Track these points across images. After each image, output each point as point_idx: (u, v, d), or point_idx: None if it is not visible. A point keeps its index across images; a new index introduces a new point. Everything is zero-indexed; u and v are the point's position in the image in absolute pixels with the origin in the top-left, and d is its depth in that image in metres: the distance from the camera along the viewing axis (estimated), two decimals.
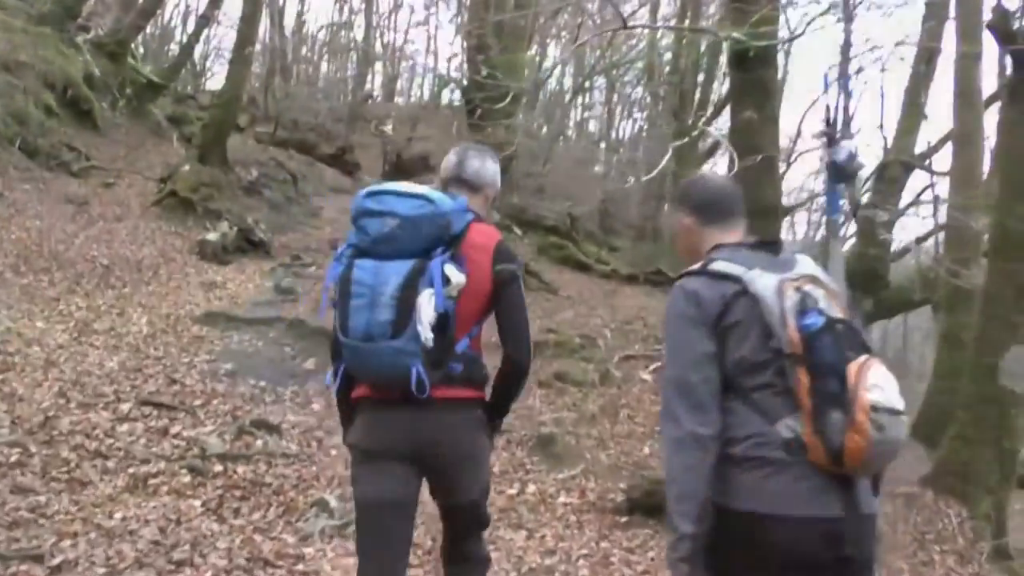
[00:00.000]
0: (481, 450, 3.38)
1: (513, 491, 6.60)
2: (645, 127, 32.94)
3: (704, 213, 2.88)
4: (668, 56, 30.16)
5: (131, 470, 6.11)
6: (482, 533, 3.60)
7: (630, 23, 14.31)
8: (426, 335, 3.02)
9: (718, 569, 2.58)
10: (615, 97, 34.95)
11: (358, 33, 33.86)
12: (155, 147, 19.42)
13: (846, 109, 3.24)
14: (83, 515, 5.42)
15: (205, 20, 22.66)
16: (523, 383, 3.43)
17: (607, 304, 15.80)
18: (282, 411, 7.75)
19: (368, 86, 33.49)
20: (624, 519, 6.60)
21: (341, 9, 35.46)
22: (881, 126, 25.00)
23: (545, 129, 34.13)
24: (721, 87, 27.94)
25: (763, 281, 2.57)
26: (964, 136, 12.70)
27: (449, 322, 3.12)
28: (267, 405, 7.87)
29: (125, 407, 7.11)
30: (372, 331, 3.03)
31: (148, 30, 27.66)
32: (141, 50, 25.67)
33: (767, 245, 2.78)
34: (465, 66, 22.68)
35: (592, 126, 39.26)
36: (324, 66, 37.34)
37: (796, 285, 2.56)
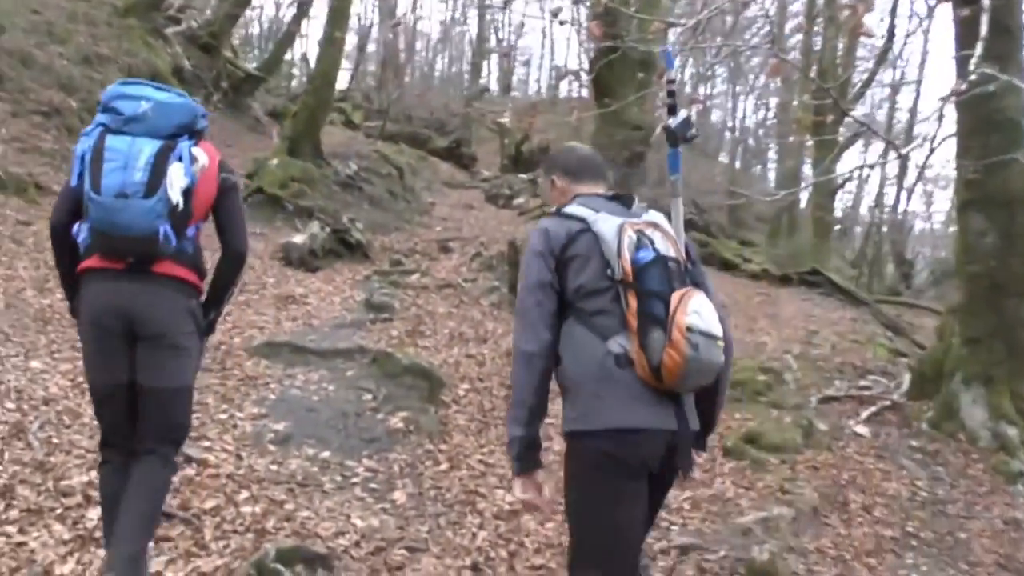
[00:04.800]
0: (189, 339, 3.35)
1: None
2: (774, 113, 29.13)
3: (575, 174, 3.08)
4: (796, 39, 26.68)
5: None
6: (178, 438, 3.46)
7: None
8: (176, 198, 3.12)
9: (585, 489, 2.71)
10: (737, 85, 31.38)
11: (472, 28, 31.09)
12: (252, 143, 16.72)
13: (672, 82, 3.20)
14: None
15: (304, 8, 19.87)
16: (241, 272, 3.58)
17: (766, 313, 12.45)
18: (345, 508, 4.72)
19: (483, 80, 30.66)
20: None
21: (454, 4, 32.83)
22: None
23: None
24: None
25: (605, 222, 2.76)
26: None
27: (189, 199, 3.19)
28: (325, 496, 4.83)
29: (94, 516, 4.15)
30: (126, 189, 3.06)
31: (255, 30, 25.31)
32: (252, 51, 23.22)
33: (621, 198, 2.96)
34: (589, 43, 19.54)
35: (715, 115, 35.75)
36: (439, 62, 34.65)
37: (637, 228, 2.76)
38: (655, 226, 2.82)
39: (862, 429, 7.24)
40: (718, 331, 2.61)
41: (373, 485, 5.13)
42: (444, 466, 5.53)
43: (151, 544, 3.76)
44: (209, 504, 4.45)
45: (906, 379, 8.20)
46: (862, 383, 8.57)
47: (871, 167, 29.38)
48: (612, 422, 2.61)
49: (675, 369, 2.54)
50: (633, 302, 2.64)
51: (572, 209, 2.86)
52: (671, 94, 3.05)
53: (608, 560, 2.70)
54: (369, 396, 6.32)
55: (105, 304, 3.20)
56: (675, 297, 2.62)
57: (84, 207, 3.15)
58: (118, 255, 3.18)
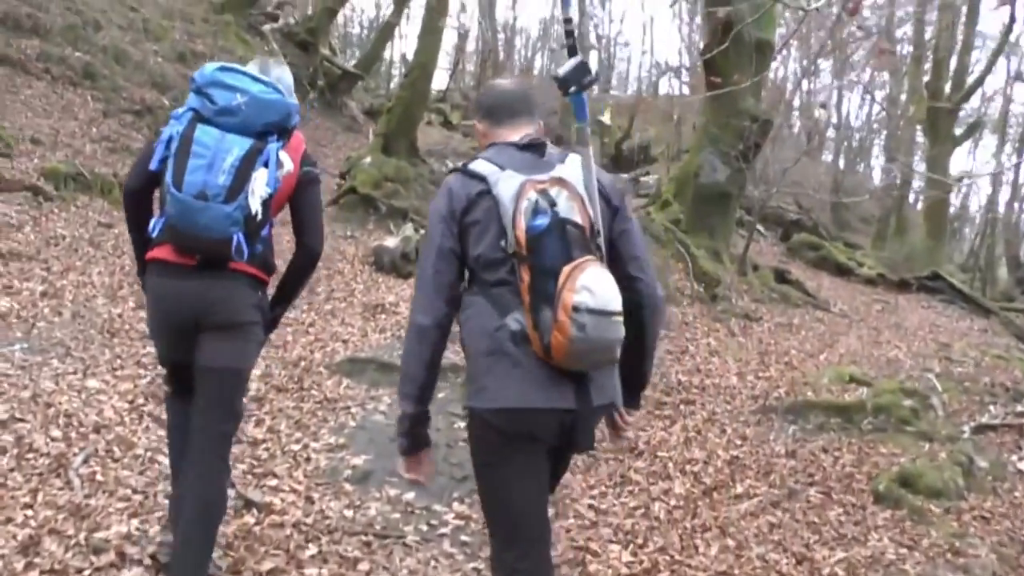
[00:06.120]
0: (253, 329, 3.26)
1: None
2: (883, 107, 27.47)
3: (492, 116, 2.78)
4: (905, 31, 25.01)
5: None
6: (229, 430, 3.29)
7: None
8: (256, 207, 3.03)
9: (483, 463, 2.60)
10: (844, 79, 29.69)
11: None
12: (348, 142, 16.11)
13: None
14: None
15: (402, 2, 19.16)
16: (312, 271, 3.48)
17: (889, 324, 11.27)
18: (432, 569, 3.84)
19: None
20: None
21: (554, 2, 32.00)
22: None
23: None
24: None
25: (506, 183, 2.51)
26: None
27: (268, 207, 3.09)
28: (407, 552, 3.98)
29: None
30: (207, 191, 2.97)
31: (354, 30, 24.83)
32: (351, 51, 22.66)
33: (534, 146, 2.65)
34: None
35: (820, 111, 34.05)
36: (538, 60, 33.86)
37: (540, 187, 2.50)
38: (562, 182, 2.52)
39: None
40: (614, 306, 2.37)
41: (464, 537, 4.26)
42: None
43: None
44: (267, 566, 3.63)
45: None
46: (1019, 408, 7.41)
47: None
48: (500, 402, 2.48)
49: (560, 349, 2.37)
50: (526, 276, 2.45)
51: (477, 165, 2.60)
52: (569, 34, 2.76)
53: (515, 538, 2.58)
54: (462, 424, 5.47)
55: (174, 301, 3.15)
56: (564, 272, 2.39)
57: (162, 198, 3.09)
58: (189, 252, 3.10)
